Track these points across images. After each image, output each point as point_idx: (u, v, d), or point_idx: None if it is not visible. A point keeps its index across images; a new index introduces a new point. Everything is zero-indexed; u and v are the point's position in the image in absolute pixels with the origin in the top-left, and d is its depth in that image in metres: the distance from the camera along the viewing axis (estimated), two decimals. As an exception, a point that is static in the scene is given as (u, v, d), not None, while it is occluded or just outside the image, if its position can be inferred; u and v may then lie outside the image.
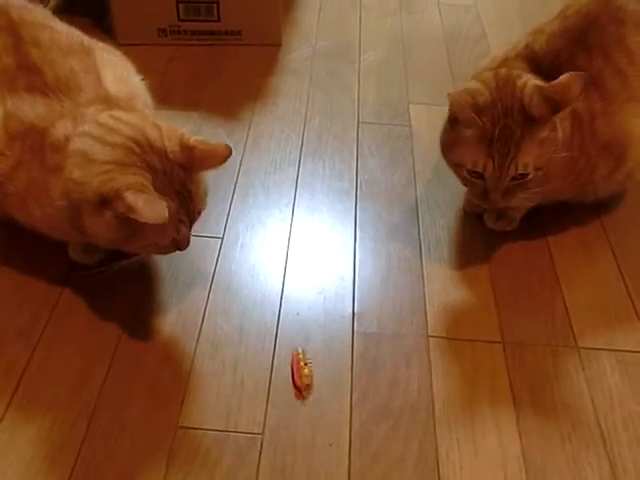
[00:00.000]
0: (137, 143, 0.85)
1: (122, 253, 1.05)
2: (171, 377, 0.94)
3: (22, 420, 0.87)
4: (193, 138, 0.90)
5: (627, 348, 1.01)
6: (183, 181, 0.88)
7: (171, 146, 0.87)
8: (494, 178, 0.98)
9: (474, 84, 1.02)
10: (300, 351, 0.95)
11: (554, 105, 0.96)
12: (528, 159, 0.97)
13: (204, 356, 0.97)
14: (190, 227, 0.92)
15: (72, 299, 1.03)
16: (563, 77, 0.97)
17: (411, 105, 1.50)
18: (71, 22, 1.10)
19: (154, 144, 0.86)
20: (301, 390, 0.91)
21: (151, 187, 0.83)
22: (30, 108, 0.91)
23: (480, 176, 0.99)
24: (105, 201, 0.83)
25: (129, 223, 0.83)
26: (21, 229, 1.02)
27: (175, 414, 0.89)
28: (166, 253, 0.95)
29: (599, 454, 0.87)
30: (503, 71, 1.03)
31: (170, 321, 1.01)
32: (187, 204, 0.89)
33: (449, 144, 1.03)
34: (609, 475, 0.85)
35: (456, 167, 1.03)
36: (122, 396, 0.91)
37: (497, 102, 0.97)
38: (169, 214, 0.82)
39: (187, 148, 0.88)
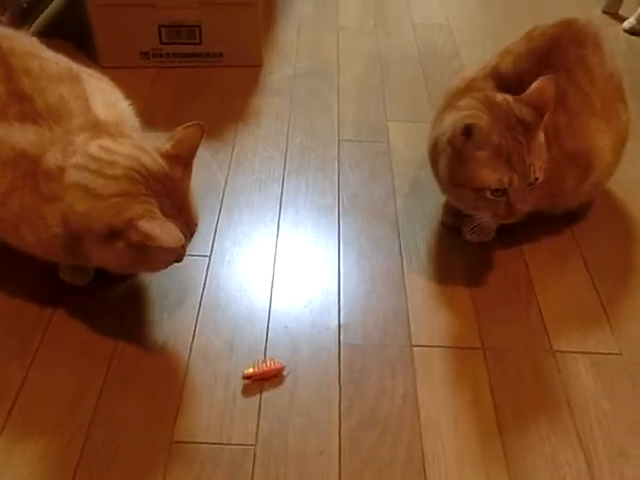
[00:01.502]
0: (137, 172, 0.87)
1: (111, 274, 1.06)
2: (164, 393, 0.94)
3: (18, 441, 0.88)
4: (168, 145, 0.92)
5: (599, 350, 1.04)
6: (182, 198, 0.91)
7: (165, 166, 0.90)
8: (520, 190, 0.99)
9: (466, 112, 1.03)
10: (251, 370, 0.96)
11: (538, 110, 1.00)
12: (540, 163, 1.01)
13: (196, 371, 0.97)
14: (190, 240, 0.95)
15: (64, 320, 1.04)
16: (535, 83, 1.02)
17: (389, 122, 1.52)
18: (54, 46, 1.11)
19: (152, 169, 0.88)
20: (280, 371, 0.95)
21: (160, 213, 0.86)
22: (21, 135, 0.92)
23: (503, 192, 0.99)
24: (116, 232, 0.85)
25: (141, 249, 0.86)
26: (11, 251, 1.01)
27: (169, 429, 0.90)
28: (165, 268, 0.96)
29: (576, 452, 0.89)
30: (481, 94, 1.06)
31: (162, 338, 1.02)
32: (187, 219, 0.92)
33: (463, 175, 1.02)
34: (586, 471, 0.87)
35: (478, 193, 1.01)
36: (116, 414, 0.91)
37: (496, 121, 0.99)
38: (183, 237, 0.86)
39: (171, 156, 0.91)
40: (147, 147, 0.92)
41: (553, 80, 1.01)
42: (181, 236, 0.85)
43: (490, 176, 0.99)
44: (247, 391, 0.95)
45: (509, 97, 1.03)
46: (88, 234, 0.88)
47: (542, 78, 1.01)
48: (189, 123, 0.94)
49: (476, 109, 1.02)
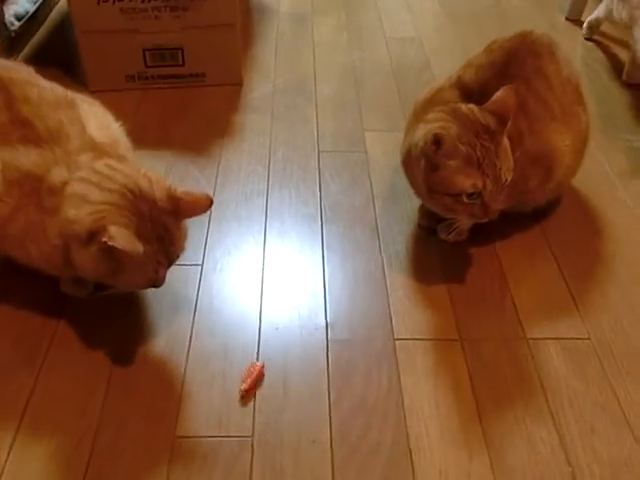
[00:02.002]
0: (130, 191, 0.91)
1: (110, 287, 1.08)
2: (165, 393, 0.97)
3: (31, 442, 0.91)
4: (180, 190, 0.96)
5: (569, 336, 1.08)
6: (167, 227, 0.94)
7: (160, 195, 0.93)
8: (493, 191, 1.04)
9: (436, 123, 1.06)
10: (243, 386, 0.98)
11: (501, 117, 1.05)
12: (507, 165, 1.05)
13: (194, 372, 1.00)
14: (168, 268, 0.98)
15: (68, 329, 1.06)
16: (498, 93, 1.07)
17: (366, 132, 1.54)
18: (43, 72, 1.13)
19: (145, 193, 0.92)
20: (262, 369, 0.99)
21: (133, 227, 0.89)
22: (25, 158, 0.96)
23: (478, 195, 1.04)
24: (92, 236, 0.88)
25: (112, 258, 0.89)
26: (16, 268, 1.04)
27: (172, 426, 0.93)
28: (143, 289, 1.00)
29: (549, 429, 0.94)
30: (448, 107, 1.10)
31: (161, 343, 1.05)
32: (167, 248, 0.95)
33: (439, 183, 1.06)
34: (559, 447, 0.92)
35: (454, 198, 1.05)
36: (121, 414, 0.94)
37: (464, 130, 1.04)
38: (149, 256, 0.90)
39: (174, 198, 0.95)
40: (152, 175, 0.96)
41: (514, 90, 1.06)
42: (139, 247, 0.87)
43: (465, 182, 1.03)
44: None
45: (474, 107, 1.07)
46: (74, 240, 0.91)
47: (503, 88, 1.06)
48: (205, 193, 0.99)
49: (445, 120, 1.07)
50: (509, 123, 1.06)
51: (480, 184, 1.03)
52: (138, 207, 0.92)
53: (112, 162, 0.96)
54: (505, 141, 1.07)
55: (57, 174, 0.94)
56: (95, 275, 0.97)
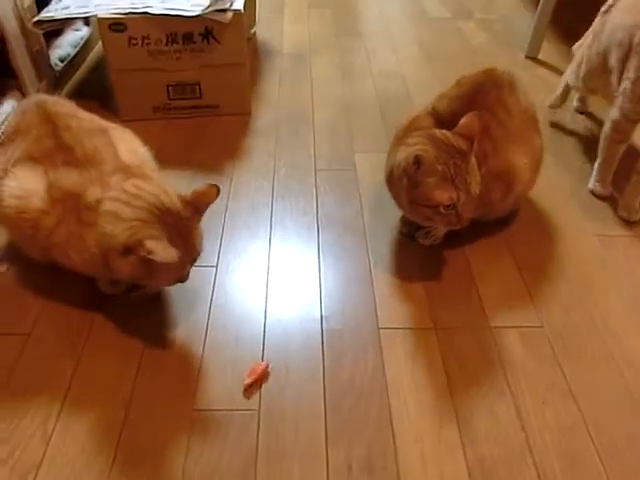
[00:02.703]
0: (156, 207, 0.93)
1: (139, 285, 1.10)
2: (186, 373, 0.99)
3: (74, 413, 0.93)
4: (189, 194, 0.98)
5: (525, 324, 1.09)
6: (189, 232, 0.96)
7: (180, 206, 0.96)
8: (465, 203, 1.07)
9: (416, 146, 1.08)
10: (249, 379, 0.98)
11: (468, 139, 1.07)
12: (476, 180, 1.08)
13: (209, 358, 1.02)
14: (191, 266, 1.00)
15: (104, 322, 1.08)
16: (464, 119, 1.08)
17: (355, 154, 1.55)
18: (82, 104, 1.16)
19: (168, 207, 0.94)
20: (267, 368, 0.99)
21: (165, 238, 0.92)
22: (67, 178, 0.98)
23: (453, 207, 1.06)
24: (129, 249, 0.91)
25: (148, 265, 0.91)
26: (60, 270, 1.07)
27: (191, 401, 0.95)
28: (171, 285, 1.02)
29: (508, 403, 0.96)
30: (425, 132, 1.11)
31: (182, 333, 1.06)
32: (190, 250, 0.97)
33: (420, 197, 1.08)
34: (516, 416, 0.94)
35: (433, 209, 1.08)
36: (149, 392, 0.96)
37: (440, 151, 1.06)
38: (178, 258, 0.91)
39: (189, 203, 0.97)
40: (169, 190, 0.98)
41: (477, 115, 1.08)
42: (175, 255, 0.89)
43: (442, 195, 1.05)
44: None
45: (447, 132, 1.09)
46: (112, 252, 0.93)
47: (468, 114, 1.08)
48: (210, 183, 1.00)
49: (423, 144, 1.08)
50: (475, 144, 1.08)
51: (455, 197, 1.06)
52: (164, 219, 0.94)
53: (138, 182, 0.97)
54: (473, 160, 1.09)
55: (92, 193, 0.96)
56: (132, 278, 0.99)
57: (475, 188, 1.08)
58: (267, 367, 1.00)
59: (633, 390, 0.99)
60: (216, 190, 0.99)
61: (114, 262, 0.95)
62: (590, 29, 1.47)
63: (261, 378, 0.99)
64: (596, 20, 1.43)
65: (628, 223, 1.34)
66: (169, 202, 0.95)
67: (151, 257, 0.88)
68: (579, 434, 0.92)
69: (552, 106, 1.69)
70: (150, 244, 0.88)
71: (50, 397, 0.96)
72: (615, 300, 1.15)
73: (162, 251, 0.89)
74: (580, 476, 0.87)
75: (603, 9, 1.40)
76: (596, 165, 1.41)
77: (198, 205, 0.98)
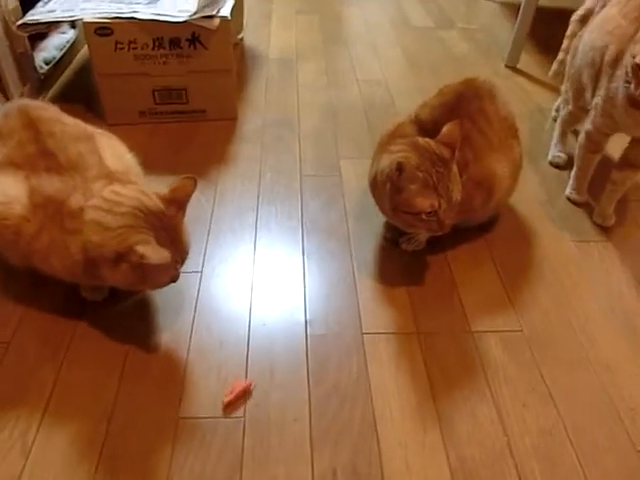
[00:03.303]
0: (139, 210, 0.91)
1: (123, 292, 1.09)
2: (169, 381, 0.97)
3: (56, 424, 0.90)
4: (166, 191, 0.96)
5: (506, 329, 1.09)
6: (176, 230, 0.95)
7: (162, 205, 0.93)
8: (447, 210, 1.06)
9: (399, 153, 1.07)
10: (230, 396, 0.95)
11: (450, 147, 1.06)
12: (458, 187, 1.08)
13: (194, 363, 1.00)
14: (182, 264, 0.98)
15: (86, 328, 1.05)
16: (445, 127, 1.08)
17: (340, 160, 1.54)
18: (67, 109, 1.13)
19: (151, 208, 0.92)
20: (249, 387, 0.96)
21: (154, 240, 0.90)
22: (49, 184, 0.95)
23: (435, 213, 1.06)
24: (121, 256, 0.89)
25: (141, 270, 0.89)
26: (42, 276, 1.03)
27: (175, 409, 0.93)
28: (164, 287, 0.99)
29: (489, 406, 0.95)
30: (408, 140, 1.11)
31: (166, 338, 1.04)
32: (179, 248, 0.95)
33: (402, 203, 1.07)
34: (497, 420, 0.93)
35: (415, 216, 1.07)
36: (132, 400, 0.94)
37: (423, 159, 1.05)
38: (170, 258, 0.90)
39: (168, 200, 0.95)
40: (148, 192, 0.96)
41: (459, 124, 1.08)
42: (167, 255, 0.88)
43: (424, 202, 1.05)
44: (234, 375, 0.98)
45: (429, 140, 1.09)
46: (101, 259, 0.91)
47: (450, 123, 1.08)
48: (186, 175, 0.97)
49: (406, 151, 1.07)
50: (456, 152, 1.08)
51: (436, 204, 1.05)
52: (149, 222, 0.92)
53: (117, 188, 0.95)
54: (455, 167, 1.08)
55: (75, 200, 0.93)
56: (125, 285, 0.97)
57: (457, 195, 1.07)
58: (250, 386, 0.97)
59: (610, 393, 0.99)
60: (192, 182, 0.97)
61: (105, 271, 0.93)
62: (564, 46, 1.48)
63: (242, 396, 0.95)
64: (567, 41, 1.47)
65: (603, 229, 1.35)
66: (151, 203, 0.93)
67: (145, 261, 0.86)
68: (558, 437, 0.92)
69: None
70: (141, 249, 0.86)
71: (30, 407, 0.93)
72: (592, 304, 1.16)
73: (154, 253, 0.87)
74: (559, 477, 0.87)
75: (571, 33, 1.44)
76: (572, 173, 1.42)
77: (179, 200, 0.96)
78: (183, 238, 0.97)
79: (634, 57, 1.10)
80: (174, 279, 0.98)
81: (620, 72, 1.17)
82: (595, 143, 1.32)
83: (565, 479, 0.87)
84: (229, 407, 0.94)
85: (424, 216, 1.07)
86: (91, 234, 0.91)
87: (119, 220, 0.90)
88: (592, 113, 1.29)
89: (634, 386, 1.00)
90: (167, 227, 0.93)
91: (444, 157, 1.06)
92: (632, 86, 1.12)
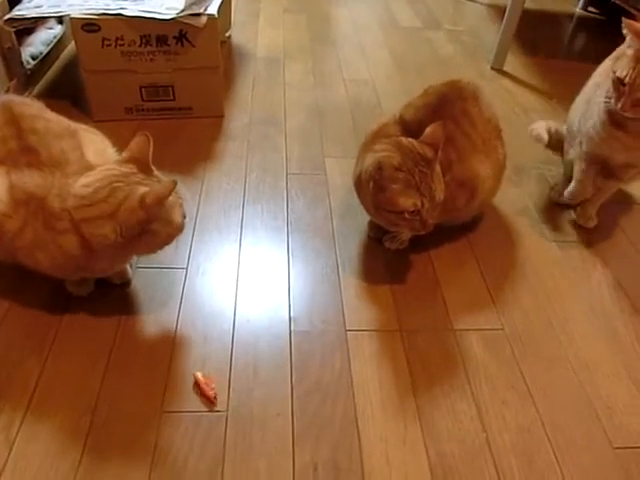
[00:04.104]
0: (115, 180, 0.92)
1: (108, 286, 1.11)
2: (154, 374, 0.97)
3: (40, 417, 0.90)
4: (123, 153, 0.98)
5: (487, 327, 1.10)
6: (157, 177, 0.97)
7: (126, 168, 0.94)
8: (429, 209, 1.07)
9: (382, 153, 1.07)
10: (199, 375, 0.96)
11: (433, 147, 1.07)
12: (440, 187, 1.08)
13: (178, 357, 1.00)
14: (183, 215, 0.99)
15: (71, 322, 1.05)
16: (429, 128, 1.09)
17: (326, 159, 1.55)
18: (53, 104, 1.11)
19: (124, 172, 0.94)
20: (211, 399, 0.93)
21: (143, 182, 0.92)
22: (30, 180, 0.94)
23: (417, 212, 1.06)
24: (144, 220, 0.90)
25: (164, 214, 0.93)
26: (27, 271, 1.02)
27: (159, 402, 0.93)
28: (173, 239, 0.99)
29: (469, 403, 0.97)
30: (392, 140, 1.11)
31: (151, 332, 1.04)
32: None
33: (385, 203, 1.08)
34: (477, 416, 0.95)
35: (398, 215, 1.07)
36: (117, 393, 0.94)
37: (406, 159, 1.05)
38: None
39: (128, 159, 0.96)
40: (109, 164, 0.96)
41: (442, 125, 1.08)
42: (168, 181, 0.91)
43: (406, 202, 1.06)
44: (218, 370, 0.98)
45: (413, 140, 1.09)
46: (129, 237, 0.91)
47: (433, 124, 1.09)
48: (139, 133, 0.98)
49: (389, 151, 1.08)
50: (439, 152, 1.09)
51: (419, 203, 1.06)
52: (130, 181, 0.92)
53: (82, 180, 0.94)
54: (437, 167, 1.09)
55: (54, 201, 0.92)
56: (160, 242, 0.97)
57: (439, 195, 1.09)
58: (214, 399, 0.94)
59: (588, 391, 1.01)
60: (146, 138, 0.97)
61: (135, 246, 0.94)
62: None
63: (203, 393, 0.95)
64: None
65: (585, 230, 1.37)
66: (118, 171, 0.94)
67: (149, 200, 0.88)
68: (536, 433, 0.94)
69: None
70: (147, 193, 0.89)
71: (14, 400, 0.93)
72: (571, 304, 1.18)
73: (158, 186, 0.91)
74: (536, 473, 0.89)
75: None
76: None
77: (137, 157, 0.96)
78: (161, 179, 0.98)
79: (615, 72, 1.11)
80: (179, 232, 0.99)
81: (600, 92, 1.20)
82: (587, 154, 1.31)
83: (542, 475, 0.89)
84: (195, 384, 0.96)
85: (407, 215, 1.08)
86: (96, 231, 0.90)
87: (111, 203, 0.90)
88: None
89: (611, 385, 1.02)
90: (143, 181, 0.94)
91: (427, 157, 1.07)
92: (612, 101, 1.13)
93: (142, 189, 0.91)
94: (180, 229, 0.99)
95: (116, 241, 0.91)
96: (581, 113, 1.33)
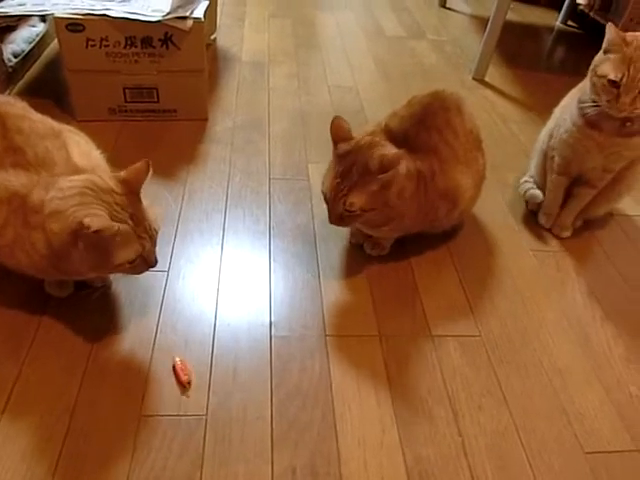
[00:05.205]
0: (89, 189, 0.90)
1: (87, 289, 1.09)
2: (133, 377, 0.97)
3: (16, 420, 0.89)
4: (122, 172, 0.95)
5: (464, 334, 1.12)
6: (133, 206, 0.93)
7: (114, 184, 0.92)
8: (332, 203, 1.09)
9: (354, 138, 1.09)
10: (178, 359, 0.99)
11: (383, 168, 1.04)
12: (355, 200, 1.06)
13: (158, 361, 1.00)
14: (153, 244, 0.96)
15: (50, 325, 1.04)
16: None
17: (309, 164, 1.55)
18: (35, 103, 1.10)
19: (102, 186, 0.91)
20: (184, 384, 0.96)
21: (106, 214, 0.88)
22: (15, 179, 0.94)
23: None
24: (74, 234, 0.87)
25: (98, 245, 0.88)
26: (6, 271, 1.01)
27: (138, 406, 0.93)
28: (140, 272, 0.97)
29: (446, 408, 0.98)
30: (371, 138, 1.12)
31: (131, 335, 1.04)
32: (142, 223, 0.93)
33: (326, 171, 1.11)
34: (453, 421, 0.96)
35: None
36: (95, 397, 0.94)
37: (352, 152, 1.07)
38: (128, 232, 0.89)
39: (122, 181, 0.93)
40: (101, 174, 0.94)
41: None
42: (113, 224, 0.86)
43: (326, 179, 1.11)
44: (198, 374, 0.98)
45: (381, 151, 1.06)
46: (66, 248, 0.89)
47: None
48: (141, 161, 0.96)
49: (354, 140, 1.09)
50: (387, 173, 1.04)
51: (325, 186, 1.09)
52: (102, 198, 0.90)
53: (71, 177, 0.93)
54: (373, 187, 1.06)
55: (37, 194, 0.92)
56: (95, 269, 0.94)
57: (347, 205, 1.06)
58: (188, 384, 0.97)
59: (560, 397, 1.04)
60: (147, 166, 0.95)
61: (70, 259, 0.91)
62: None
63: (177, 379, 0.97)
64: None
65: (560, 239, 1.41)
66: (100, 182, 0.92)
67: (91, 230, 0.84)
68: (510, 438, 0.96)
69: None
70: (86, 220, 0.85)
71: (-10, 402, 0.92)
72: (546, 311, 1.21)
73: (98, 221, 0.85)
74: (509, 477, 0.91)
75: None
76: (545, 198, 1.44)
77: (132, 182, 0.94)
78: (145, 215, 0.94)
79: (605, 76, 1.15)
80: (148, 262, 0.96)
81: (567, 110, 1.28)
82: (559, 165, 1.36)
83: (515, 478, 0.91)
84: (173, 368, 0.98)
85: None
86: (52, 224, 0.89)
87: (70, 201, 0.89)
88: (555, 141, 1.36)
89: (583, 391, 1.05)
90: (121, 204, 0.92)
91: (369, 167, 1.05)
92: (604, 103, 1.17)
93: (90, 213, 0.87)
94: (121, 269, 0.94)
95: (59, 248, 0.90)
96: (551, 129, 1.39)
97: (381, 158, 1.05)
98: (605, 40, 1.17)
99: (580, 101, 1.24)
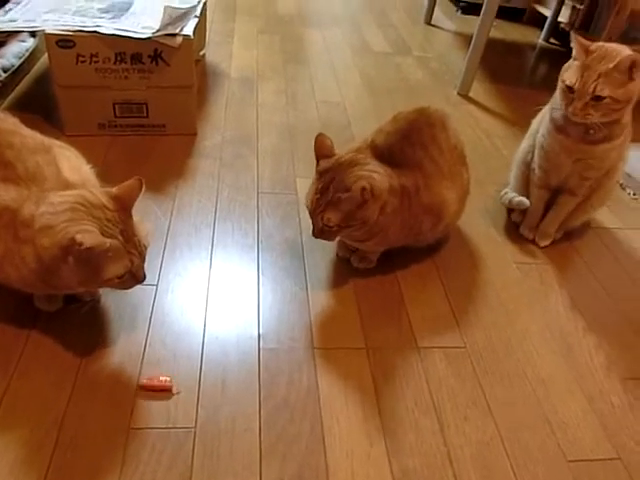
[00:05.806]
0: (80, 204, 0.90)
1: (77, 302, 1.09)
2: (122, 391, 0.97)
3: (4, 433, 0.89)
4: (114, 188, 0.96)
5: (450, 345, 1.14)
6: (124, 222, 0.93)
7: (105, 200, 0.93)
8: (313, 218, 1.11)
9: (336, 155, 1.11)
10: (144, 380, 0.99)
11: (367, 195, 1.06)
12: (331, 216, 1.08)
13: (147, 374, 0.99)
14: (142, 260, 0.96)
15: (39, 339, 1.04)
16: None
17: (297, 178, 1.57)
18: (25, 118, 1.10)
19: (93, 202, 0.92)
20: (166, 388, 0.97)
21: (97, 230, 0.89)
22: (5, 193, 0.94)
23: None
24: (65, 250, 0.87)
25: (88, 261, 0.88)
26: None
27: (127, 419, 0.93)
28: (129, 287, 0.97)
29: (432, 418, 1.00)
30: (353, 154, 1.14)
31: (119, 349, 1.04)
32: (132, 239, 0.93)
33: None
34: (439, 431, 0.98)
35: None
36: (84, 409, 0.94)
37: (331, 170, 1.09)
38: (118, 248, 0.90)
39: (114, 197, 0.94)
40: (93, 190, 0.95)
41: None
42: (105, 240, 0.87)
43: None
44: (187, 387, 0.99)
45: (361, 173, 1.08)
46: (55, 263, 0.89)
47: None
48: (133, 178, 0.97)
49: (335, 157, 1.12)
50: (375, 198, 1.07)
51: (308, 200, 1.10)
52: (93, 214, 0.91)
53: (62, 192, 0.94)
54: (348, 207, 1.08)
55: (27, 209, 0.93)
56: (84, 283, 0.94)
57: (325, 220, 1.08)
58: (169, 384, 0.98)
59: (544, 407, 1.06)
60: (140, 184, 0.96)
61: (59, 274, 0.92)
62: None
63: (159, 391, 0.97)
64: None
65: (542, 250, 1.44)
66: (92, 198, 0.93)
67: (83, 247, 0.85)
68: (495, 448, 0.98)
69: None
70: (78, 236, 0.86)
71: (-22, 417, 0.92)
72: (530, 324, 1.23)
73: (90, 238, 0.86)
74: (494, 487, 0.93)
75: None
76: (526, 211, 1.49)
77: (123, 200, 0.95)
78: (135, 231, 0.95)
79: (564, 81, 1.22)
80: (136, 277, 0.97)
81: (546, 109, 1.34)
82: (539, 178, 1.42)
83: (500, 487, 0.93)
84: (140, 391, 0.98)
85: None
86: (42, 239, 0.90)
87: (61, 217, 0.90)
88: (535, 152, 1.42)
89: (566, 401, 1.07)
90: (112, 220, 0.93)
91: (345, 186, 1.07)
92: (562, 107, 1.23)
93: (81, 229, 0.88)
94: (109, 284, 0.95)
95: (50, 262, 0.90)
96: (530, 140, 1.46)
97: (356, 178, 1.07)
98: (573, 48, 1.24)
99: (552, 106, 1.32)
